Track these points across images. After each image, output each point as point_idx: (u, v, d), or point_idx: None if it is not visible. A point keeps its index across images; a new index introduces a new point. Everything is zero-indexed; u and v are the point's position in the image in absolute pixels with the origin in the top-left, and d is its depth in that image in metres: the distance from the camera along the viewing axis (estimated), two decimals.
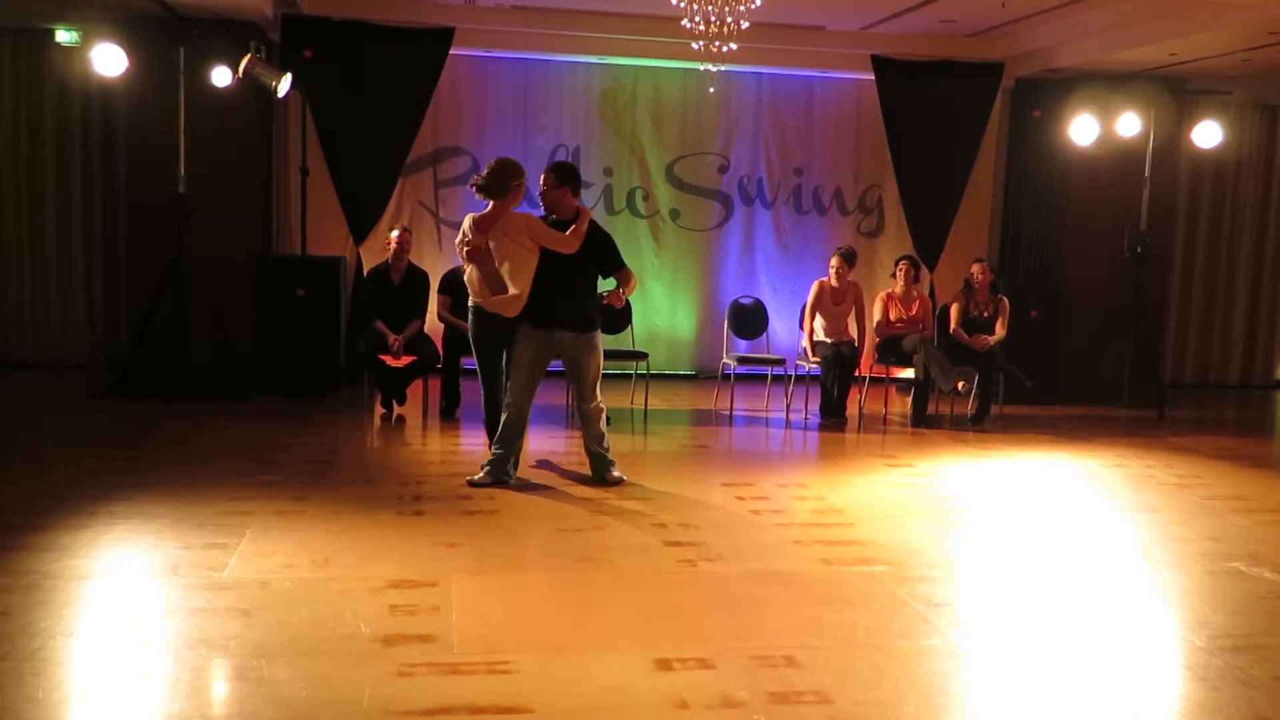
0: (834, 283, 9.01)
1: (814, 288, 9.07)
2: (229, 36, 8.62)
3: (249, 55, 8.27)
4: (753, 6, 6.97)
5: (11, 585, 4.32)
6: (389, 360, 8.04)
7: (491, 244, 6.10)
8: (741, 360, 9.32)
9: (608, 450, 6.42)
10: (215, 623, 4.01)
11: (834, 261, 9.01)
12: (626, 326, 9.13)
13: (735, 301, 9.73)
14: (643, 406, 8.98)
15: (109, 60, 8.23)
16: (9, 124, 9.82)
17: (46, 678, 3.51)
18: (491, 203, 6.14)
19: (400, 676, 3.60)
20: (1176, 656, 4.15)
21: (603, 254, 6.34)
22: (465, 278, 6.32)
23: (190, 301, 8.57)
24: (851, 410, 9.00)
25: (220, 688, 3.56)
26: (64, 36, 8.98)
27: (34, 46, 9.66)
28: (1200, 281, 11.70)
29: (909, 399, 9.14)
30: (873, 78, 10.39)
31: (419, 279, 8.40)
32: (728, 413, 9.12)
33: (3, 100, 9.79)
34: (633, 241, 10.82)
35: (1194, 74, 10.16)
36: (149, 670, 3.61)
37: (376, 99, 9.59)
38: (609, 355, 8.78)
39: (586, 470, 6.63)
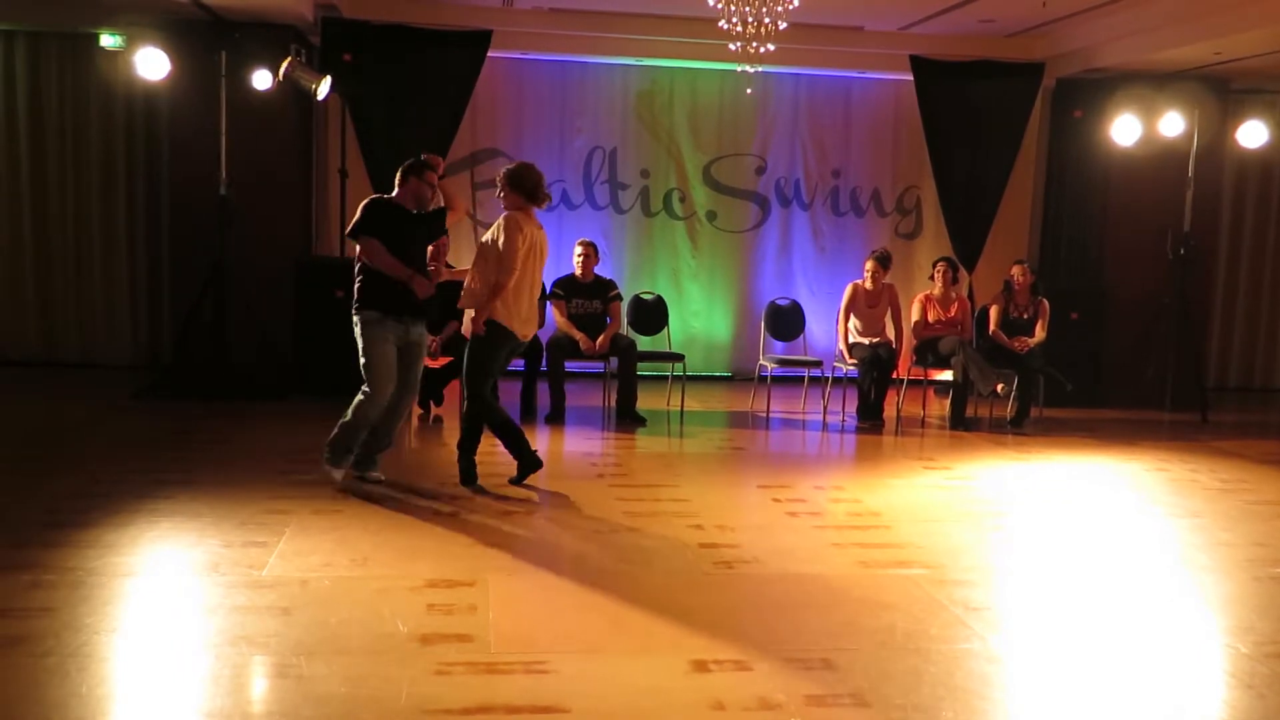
0: (868, 285, 8.96)
1: (848, 290, 9.03)
2: (269, 40, 8.71)
3: (289, 58, 8.33)
4: (790, 7, 6.95)
5: (56, 581, 4.38)
6: (426, 361, 8.06)
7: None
8: (778, 362, 9.29)
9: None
10: (255, 620, 4.05)
11: (869, 265, 8.97)
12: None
13: (772, 303, 9.70)
14: (679, 408, 8.97)
15: (152, 64, 8.34)
16: (55, 127, 9.98)
17: (90, 674, 3.56)
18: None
19: (438, 675, 3.62)
20: (1221, 663, 4.09)
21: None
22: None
23: (231, 303, 8.66)
24: (889, 412, 8.94)
25: (260, 685, 3.60)
26: (108, 41, 9.10)
27: (79, 51, 9.81)
28: (1245, 283, 11.52)
29: (947, 401, 9.07)
30: (911, 78, 10.31)
31: (456, 281, 8.42)
32: (764, 415, 9.10)
33: (49, 104, 9.95)
34: (669, 243, 10.85)
35: (1239, 73, 10.01)
36: (190, 667, 3.65)
37: (415, 101, 9.63)
38: (646, 356, 8.85)
39: (622, 471, 6.63)
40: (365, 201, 6.06)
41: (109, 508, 5.45)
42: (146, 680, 3.60)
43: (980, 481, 6.95)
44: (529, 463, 6.20)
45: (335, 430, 6.02)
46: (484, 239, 6.10)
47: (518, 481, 6.21)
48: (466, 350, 6.16)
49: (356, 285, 5.98)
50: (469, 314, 8.44)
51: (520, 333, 6.10)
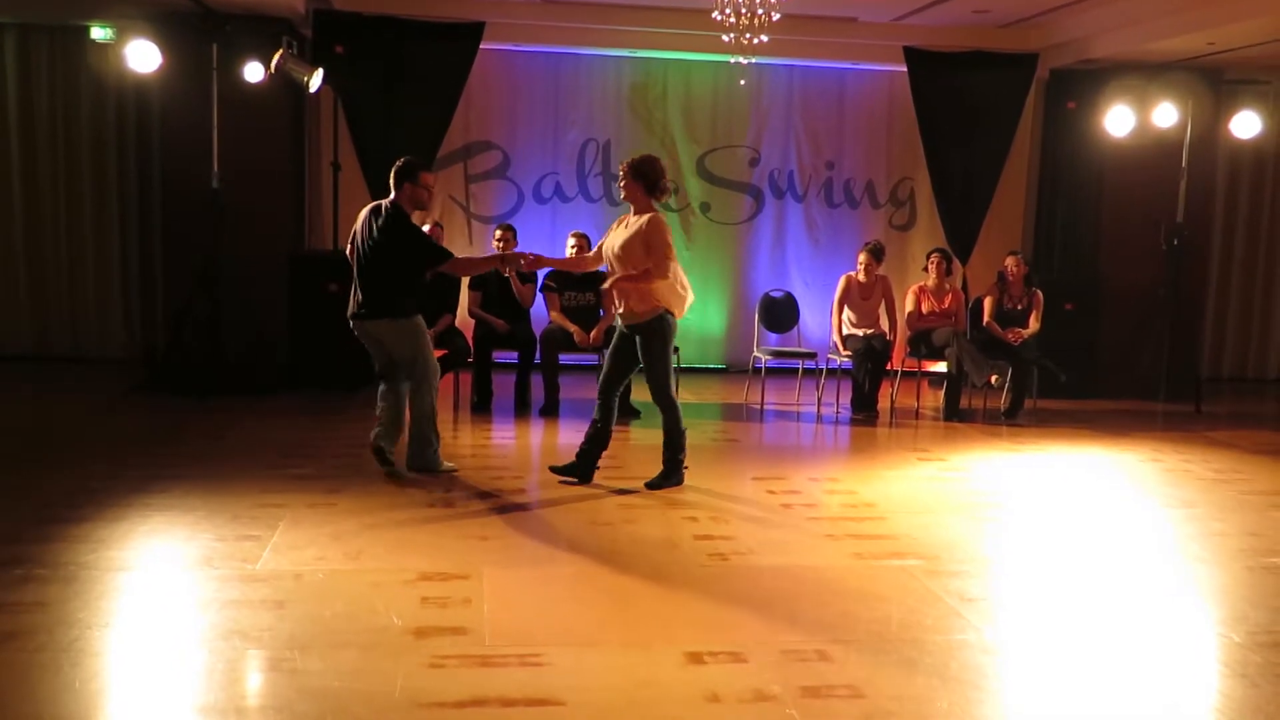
0: (861, 278, 8.96)
1: (841, 282, 9.03)
2: (261, 32, 8.66)
3: (281, 51, 8.31)
4: None
5: (49, 576, 4.37)
6: None
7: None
8: (773, 354, 9.29)
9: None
10: (249, 614, 4.04)
11: (862, 258, 8.96)
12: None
13: (766, 295, 9.71)
14: None
15: (143, 57, 8.31)
16: (46, 121, 9.94)
17: (83, 668, 3.55)
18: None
19: (432, 668, 3.61)
20: (1214, 653, 4.10)
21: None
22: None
23: (224, 297, 8.63)
24: (883, 404, 8.94)
25: (254, 679, 3.59)
26: (99, 34, 9.05)
27: (70, 44, 9.77)
28: (1239, 274, 11.53)
29: (941, 393, 9.08)
30: (905, 69, 10.31)
31: (450, 274, 8.41)
32: (759, 407, 9.09)
33: (40, 97, 9.91)
34: None
35: (1232, 63, 10.00)
36: (184, 661, 3.64)
37: (408, 94, 9.61)
38: None
39: (617, 463, 6.63)
40: (408, 224, 6.12)
41: (102, 502, 5.44)
42: (140, 675, 3.59)
43: (975, 473, 6.95)
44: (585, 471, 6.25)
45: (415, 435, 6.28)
46: (621, 240, 6.03)
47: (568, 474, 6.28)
48: (650, 354, 6.07)
49: (400, 293, 6.08)
50: (465, 306, 8.49)
51: (680, 313, 6.15)
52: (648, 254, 5.95)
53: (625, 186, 6.05)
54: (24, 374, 9.63)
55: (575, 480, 6.20)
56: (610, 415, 6.24)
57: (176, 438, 7.24)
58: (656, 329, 6.02)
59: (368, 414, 7.19)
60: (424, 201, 6.26)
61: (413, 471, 6.24)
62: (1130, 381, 10.03)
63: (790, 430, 8.49)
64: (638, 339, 6.08)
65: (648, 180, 6.00)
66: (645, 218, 6.02)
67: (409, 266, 6.13)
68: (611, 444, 6.46)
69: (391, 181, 6.15)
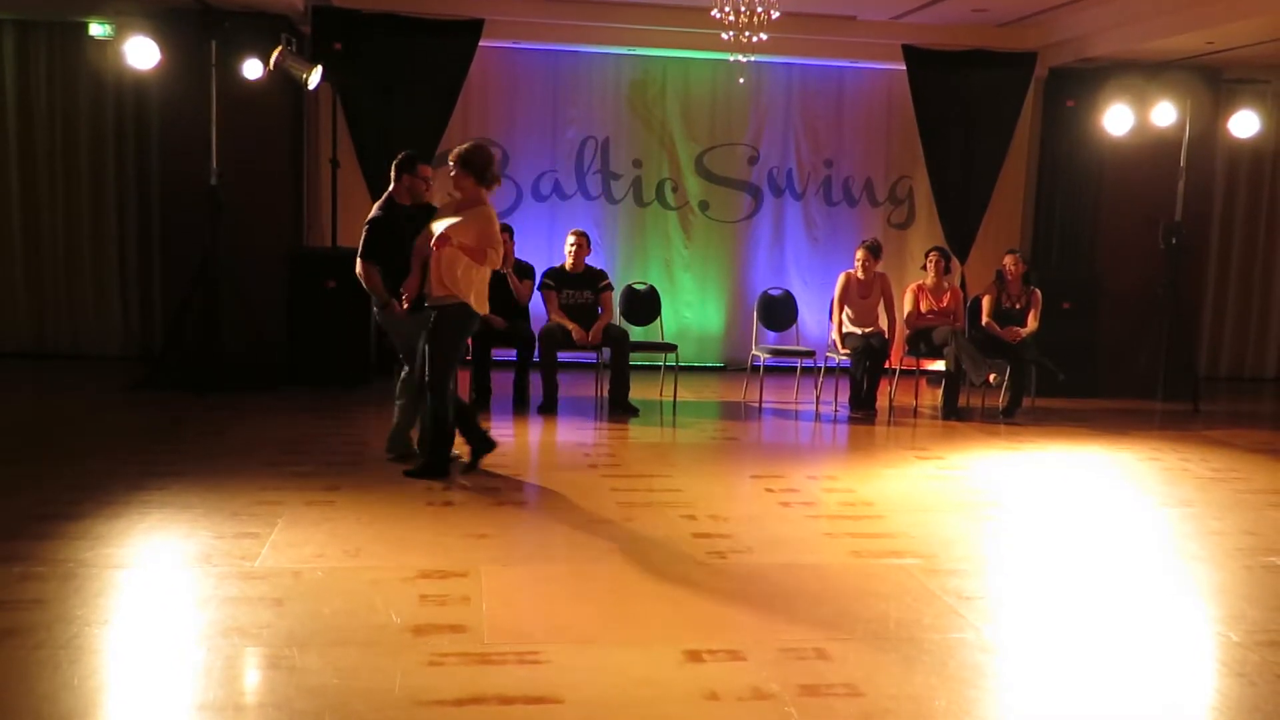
0: (860, 275, 8.96)
1: (840, 280, 9.02)
2: (260, 29, 8.66)
3: (280, 48, 8.30)
4: None
5: (47, 573, 4.36)
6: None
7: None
8: (771, 352, 9.29)
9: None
10: (247, 611, 4.04)
11: (859, 255, 8.96)
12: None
13: (765, 293, 9.70)
14: (672, 398, 8.96)
15: (141, 53, 8.30)
16: (44, 117, 9.92)
17: (82, 665, 3.55)
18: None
19: (431, 666, 3.61)
20: (1212, 651, 4.10)
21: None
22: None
23: (223, 294, 8.62)
24: (882, 402, 8.94)
25: (252, 676, 3.59)
26: (97, 30, 9.03)
27: (68, 40, 9.76)
28: (1237, 273, 11.55)
29: (940, 391, 9.08)
30: (904, 68, 10.31)
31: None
32: (757, 405, 9.10)
33: (38, 94, 9.89)
34: (662, 233, 10.83)
35: (1231, 63, 10.01)
36: (182, 658, 3.64)
37: (407, 91, 9.60)
38: (639, 347, 8.84)
39: (615, 461, 6.62)
40: (372, 217, 6.23)
41: (100, 499, 5.43)
42: (138, 672, 3.59)
43: (973, 471, 6.96)
44: (483, 445, 6.27)
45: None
46: (445, 226, 5.92)
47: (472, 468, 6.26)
48: (435, 338, 6.00)
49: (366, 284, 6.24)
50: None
51: (483, 313, 6.14)
52: (478, 243, 5.90)
53: (455, 177, 6.00)
54: (23, 371, 9.62)
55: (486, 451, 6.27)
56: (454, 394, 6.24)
57: (175, 435, 7.24)
58: (453, 316, 5.96)
59: (367, 411, 7.21)
60: (421, 193, 6.31)
61: (390, 454, 6.46)
62: (1128, 380, 10.03)
63: (788, 428, 8.49)
64: (433, 318, 6.02)
65: (477, 169, 5.96)
66: (478, 209, 5.96)
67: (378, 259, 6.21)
68: (610, 443, 6.48)
69: (391, 174, 6.22)
